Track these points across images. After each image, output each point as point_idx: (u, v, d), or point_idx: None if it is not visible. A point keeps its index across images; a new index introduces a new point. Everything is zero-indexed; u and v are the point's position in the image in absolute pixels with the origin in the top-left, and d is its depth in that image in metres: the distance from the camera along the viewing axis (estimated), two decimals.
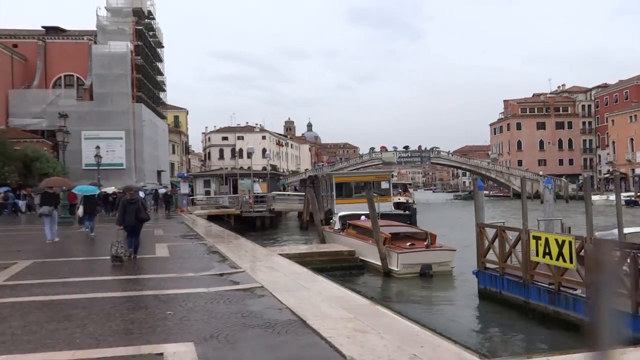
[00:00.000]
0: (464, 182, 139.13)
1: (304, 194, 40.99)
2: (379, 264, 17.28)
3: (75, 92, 55.31)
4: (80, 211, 19.27)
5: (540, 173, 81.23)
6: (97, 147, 39.16)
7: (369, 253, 18.20)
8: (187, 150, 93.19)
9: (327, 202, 35.84)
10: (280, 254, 14.97)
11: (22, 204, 34.21)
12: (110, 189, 31.48)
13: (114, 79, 53.26)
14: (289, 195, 47.53)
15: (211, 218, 32.47)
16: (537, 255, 10.93)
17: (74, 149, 41.40)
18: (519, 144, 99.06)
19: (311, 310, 7.21)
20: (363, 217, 22.32)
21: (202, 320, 6.71)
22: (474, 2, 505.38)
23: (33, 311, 7.25)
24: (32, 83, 55.44)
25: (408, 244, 17.51)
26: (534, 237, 11.11)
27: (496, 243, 12.85)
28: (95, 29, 57.53)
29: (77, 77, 57.23)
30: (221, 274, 10.25)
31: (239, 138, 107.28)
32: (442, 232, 20.25)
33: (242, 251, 14.78)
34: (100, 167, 38.31)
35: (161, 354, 5.27)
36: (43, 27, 59.64)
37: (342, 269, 17.63)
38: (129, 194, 13.31)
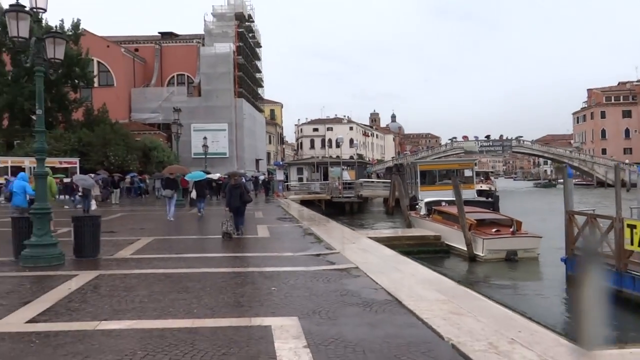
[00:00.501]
0: (545, 170, 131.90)
1: (388, 181, 40.52)
2: (464, 249, 16.68)
3: (185, 90, 57.87)
4: (193, 194, 20.39)
5: (626, 161, 75.33)
6: (205, 138, 40.73)
7: (455, 238, 17.62)
8: (281, 140, 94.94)
9: (411, 189, 35.16)
10: (370, 237, 14.81)
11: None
12: (215, 175, 32.61)
13: (219, 77, 55.06)
14: (375, 182, 47.20)
15: (304, 203, 32.84)
16: (632, 244, 10.04)
17: (184, 140, 43.30)
18: (603, 132, 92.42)
19: (405, 291, 7.00)
20: (444, 203, 21.66)
21: (304, 296, 6.70)
22: None
23: (156, 282, 7.56)
24: (150, 82, 58.58)
25: (493, 230, 16.76)
26: (629, 226, 10.21)
27: (586, 230, 11.94)
28: (202, 32, 59.77)
29: (188, 76, 59.77)
30: (318, 255, 10.25)
31: (328, 129, 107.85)
32: (525, 219, 19.16)
33: (335, 234, 14.77)
34: (207, 156, 39.84)
35: (269, 326, 5.29)
36: (159, 32, 62.76)
37: (427, 253, 17.16)
38: (233, 180, 13.77)
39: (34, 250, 8.75)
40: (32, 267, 8.54)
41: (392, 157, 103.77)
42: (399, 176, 33.91)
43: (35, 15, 9.93)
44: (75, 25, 39.78)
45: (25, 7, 9.60)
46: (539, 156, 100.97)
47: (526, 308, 9.68)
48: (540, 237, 16.61)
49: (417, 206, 25.18)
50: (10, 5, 9.51)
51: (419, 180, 33.92)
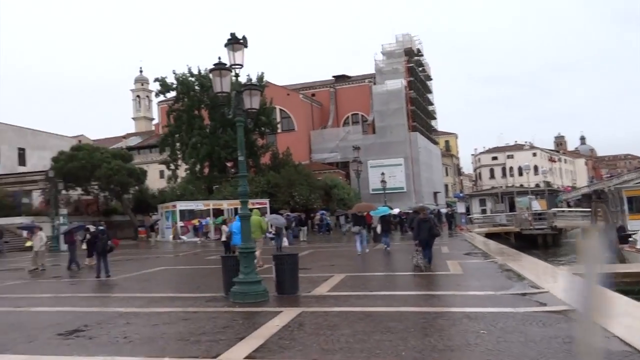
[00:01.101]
0: None
1: (587, 209, 36.53)
2: None
3: (360, 128, 59.83)
4: (378, 229, 20.70)
5: None
6: (382, 174, 41.30)
7: None
8: (458, 171, 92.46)
9: (616, 217, 31.15)
10: (577, 274, 13.19)
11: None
12: (395, 210, 32.64)
13: (392, 113, 55.97)
14: (571, 211, 42.90)
15: (489, 236, 31.04)
16: None
17: (361, 176, 44.46)
18: None
19: None
20: None
21: (520, 342, 6.02)
22: None
23: (357, 321, 7.49)
24: (327, 124, 61.82)
25: None
26: None
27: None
28: (373, 71, 61.71)
29: (362, 115, 61.84)
30: (524, 294, 9.34)
31: (508, 157, 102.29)
32: None
33: (534, 269, 13.46)
34: (385, 191, 40.20)
35: None
36: (333, 76, 66.32)
37: None
38: (422, 214, 13.79)
39: (241, 287, 9.39)
40: (241, 303, 9.15)
41: (589, 183, 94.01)
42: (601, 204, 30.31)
43: (233, 70, 10.99)
44: (260, 78, 43.89)
45: (226, 64, 10.66)
46: None
47: None
48: None
49: (630, 238, 22.03)
50: (214, 64, 10.63)
51: (626, 207, 29.94)
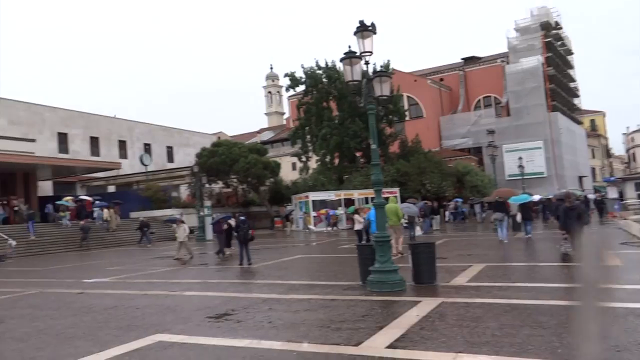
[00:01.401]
0: None
1: None
2: None
3: (493, 111, 57.02)
4: (518, 217, 19.56)
5: None
6: (520, 158, 38.95)
7: None
8: (607, 153, 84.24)
9: None
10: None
11: (447, 214, 36.01)
12: (535, 197, 30.56)
13: (528, 93, 52.57)
14: None
15: None
16: None
17: (496, 162, 42.36)
18: None
19: None
20: None
21: None
22: None
23: (502, 314, 7.07)
24: (457, 109, 59.72)
25: None
26: None
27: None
28: (506, 50, 58.37)
29: (494, 97, 58.84)
30: None
31: None
32: None
33: None
34: (523, 177, 37.84)
35: None
36: (462, 58, 63.85)
37: None
38: (568, 202, 12.77)
39: (378, 275, 9.35)
40: (378, 292, 9.10)
41: None
42: None
43: (363, 58, 10.92)
44: (386, 66, 43.45)
45: (355, 52, 10.62)
46: None
47: None
48: None
49: None
50: (345, 53, 10.64)
51: None
